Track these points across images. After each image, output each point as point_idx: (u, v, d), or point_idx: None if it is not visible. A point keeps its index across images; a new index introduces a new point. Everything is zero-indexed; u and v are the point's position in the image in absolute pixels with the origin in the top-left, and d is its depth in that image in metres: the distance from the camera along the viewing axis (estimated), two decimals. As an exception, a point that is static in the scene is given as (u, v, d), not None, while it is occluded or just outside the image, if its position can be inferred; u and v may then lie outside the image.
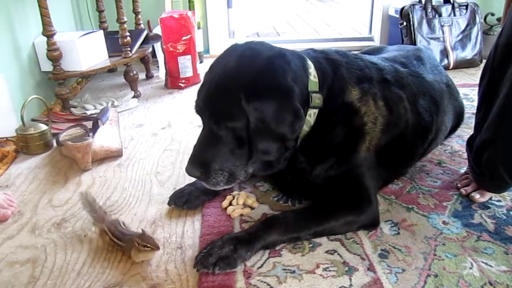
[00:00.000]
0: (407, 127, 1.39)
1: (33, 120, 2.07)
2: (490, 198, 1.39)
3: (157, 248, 1.13)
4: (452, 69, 2.98)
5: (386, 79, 1.38)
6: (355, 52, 1.51)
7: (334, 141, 1.26)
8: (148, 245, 1.11)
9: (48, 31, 2.06)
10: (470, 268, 1.11)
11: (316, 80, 1.23)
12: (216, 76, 1.18)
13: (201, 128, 1.24)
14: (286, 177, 1.36)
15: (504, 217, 1.31)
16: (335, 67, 1.29)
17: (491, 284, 1.05)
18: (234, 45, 1.25)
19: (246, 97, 1.10)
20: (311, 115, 1.22)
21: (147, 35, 2.83)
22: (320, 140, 1.26)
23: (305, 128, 1.23)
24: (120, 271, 1.14)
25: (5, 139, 1.91)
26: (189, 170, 1.20)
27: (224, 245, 1.12)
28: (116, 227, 1.21)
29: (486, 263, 1.12)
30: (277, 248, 1.19)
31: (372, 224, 1.27)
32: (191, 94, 2.63)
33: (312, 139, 1.26)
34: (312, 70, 1.23)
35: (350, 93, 1.27)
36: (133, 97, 2.54)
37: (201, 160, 1.19)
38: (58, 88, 2.21)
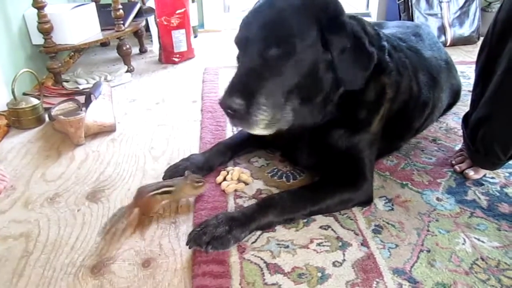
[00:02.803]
0: (410, 96, 1.39)
1: (24, 94, 2.03)
2: (484, 175, 1.40)
3: (207, 181, 1.29)
4: (449, 46, 2.95)
5: (394, 45, 1.38)
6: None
7: (368, 99, 1.25)
8: (202, 180, 1.26)
9: (38, 3, 2.00)
10: (463, 243, 1.11)
11: None
12: (275, 5, 1.08)
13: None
14: (300, 140, 1.33)
15: (498, 194, 1.32)
16: (363, 25, 1.25)
17: (483, 259, 1.06)
18: None
19: (328, 28, 1.07)
20: None
21: (140, 8, 2.77)
22: (355, 98, 1.23)
23: None
24: (114, 245, 1.14)
25: (-4, 113, 1.89)
26: (226, 100, 1.03)
27: (219, 225, 1.10)
28: (152, 186, 1.24)
29: (478, 239, 1.13)
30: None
31: (366, 201, 1.27)
32: (185, 69, 2.60)
33: (347, 97, 1.22)
34: None
35: (378, 51, 1.22)
36: (127, 71, 2.50)
37: (243, 89, 1.03)
38: (50, 62, 2.17)
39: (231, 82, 1.07)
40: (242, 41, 1.12)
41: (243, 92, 1.03)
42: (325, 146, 1.29)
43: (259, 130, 1.08)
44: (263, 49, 1.06)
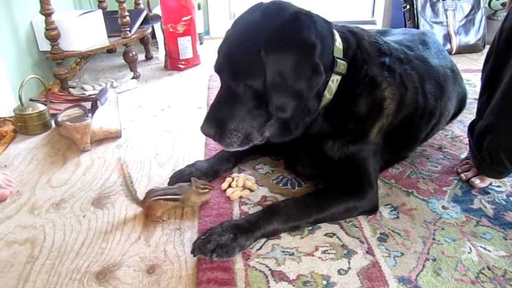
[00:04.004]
0: (416, 109, 1.39)
1: (31, 100, 2.05)
2: (490, 184, 1.39)
3: (213, 188, 1.30)
4: (454, 54, 2.95)
5: (400, 57, 1.38)
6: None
7: (358, 113, 1.26)
8: (207, 186, 1.26)
9: (46, 10, 2.02)
10: (469, 252, 1.11)
11: (341, 47, 1.22)
12: (239, 31, 1.17)
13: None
14: (299, 151, 1.35)
15: (504, 202, 1.31)
16: (358, 39, 1.28)
17: (489, 268, 1.05)
18: (259, 3, 1.21)
19: (265, 49, 1.07)
20: (334, 82, 1.21)
21: (146, 15, 2.79)
22: (344, 111, 1.25)
23: (327, 96, 1.22)
24: (119, 251, 1.14)
25: (3, 119, 1.90)
26: (203, 129, 1.20)
27: (224, 233, 1.10)
28: (159, 191, 1.26)
29: (484, 248, 1.12)
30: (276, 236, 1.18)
31: (372, 210, 1.26)
32: (190, 75, 2.61)
33: (335, 109, 1.25)
34: (337, 37, 1.22)
35: (373, 66, 1.26)
36: (132, 78, 2.52)
37: (216, 119, 1.18)
38: (57, 68, 2.19)
39: (208, 111, 1.22)
40: (216, 70, 1.22)
41: (216, 120, 1.18)
42: (320, 157, 1.30)
43: (234, 148, 1.21)
44: (229, 81, 1.16)
